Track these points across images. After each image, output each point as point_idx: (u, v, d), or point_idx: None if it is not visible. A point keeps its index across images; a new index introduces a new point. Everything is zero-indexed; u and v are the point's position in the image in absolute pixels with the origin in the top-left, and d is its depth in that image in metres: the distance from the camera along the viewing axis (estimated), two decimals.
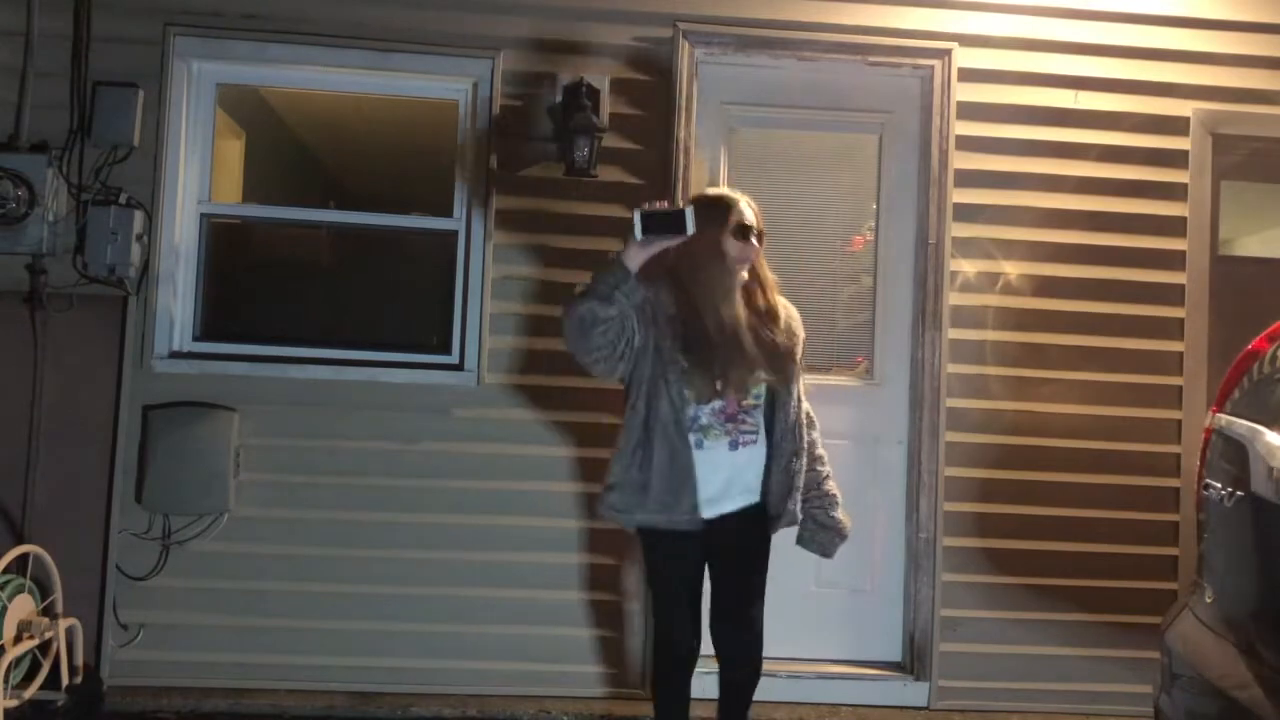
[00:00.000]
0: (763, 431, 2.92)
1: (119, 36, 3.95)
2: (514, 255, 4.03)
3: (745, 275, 2.93)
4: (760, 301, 2.96)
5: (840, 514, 3.03)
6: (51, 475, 3.83)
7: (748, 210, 2.92)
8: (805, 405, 3.03)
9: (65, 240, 3.89)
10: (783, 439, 2.92)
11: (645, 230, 2.60)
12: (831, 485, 3.06)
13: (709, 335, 2.86)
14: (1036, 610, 4.09)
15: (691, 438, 2.84)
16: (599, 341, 2.74)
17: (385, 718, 3.87)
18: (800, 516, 2.99)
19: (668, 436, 2.82)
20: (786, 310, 3.03)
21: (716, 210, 2.86)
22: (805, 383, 3.05)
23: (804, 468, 2.97)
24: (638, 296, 2.77)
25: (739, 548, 2.97)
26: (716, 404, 2.86)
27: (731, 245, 2.89)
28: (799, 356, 2.99)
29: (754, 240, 2.91)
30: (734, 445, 2.88)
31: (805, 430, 2.99)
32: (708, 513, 2.87)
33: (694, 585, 3.01)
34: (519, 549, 3.98)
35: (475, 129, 4.10)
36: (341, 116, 5.88)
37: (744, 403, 2.88)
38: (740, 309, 2.90)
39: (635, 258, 2.73)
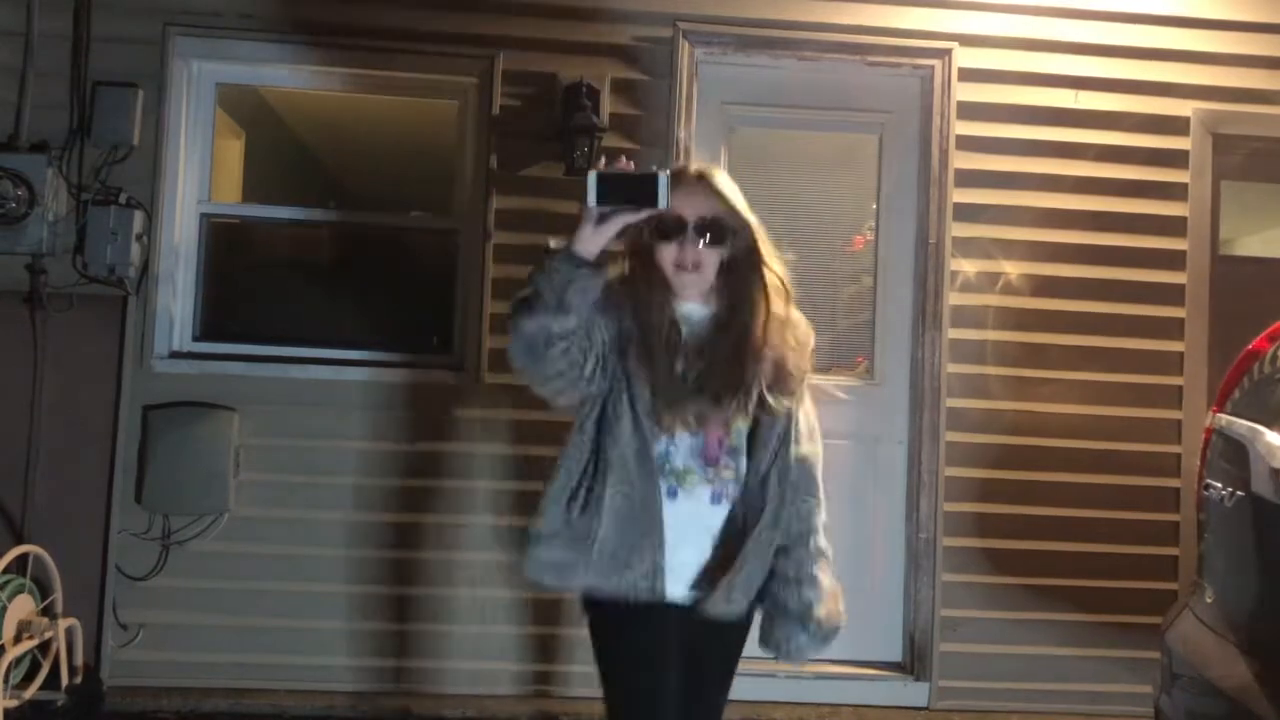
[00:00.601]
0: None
1: (119, 36, 3.95)
2: (514, 255, 4.03)
3: (703, 280, 2.12)
4: (740, 311, 2.13)
5: (824, 610, 2.14)
6: (51, 475, 3.83)
7: (685, 191, 2.06)
8: (805, 450, 2.18)
9: (65, 240, 3.88)
10: (751, 493, 2.11)
11: (601, 197, 1.95)
12: (825, 572, 2.17)
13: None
14: (1037, 610, 4.09)
15: (663, 484, 2.06)
16: (559, 365, 1.99)
17: (385, 718, 3.87)
18: (743, 613, 2.14)
19: (626, 471, 2.04)
20: (795, 330, 2.19)
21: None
22: (810, 418, 2.23)
23: (776, 544, 2.14)
24: (598, 289, 1.99)
25: (712, 652, 2.17)
26: (695, 440, 2.09)
27: (660, 252, 2.10)
28: (798, 390, 2.16)
29: (693, 237, 2.08)
30: (717, 498, 2.10)
31: (792, 488, 2.14)
32: (674, 588, 2.07)
33: (666, 689, 2.09)
34: (519, 549, 3.97)
35: (475, 129, 4.10)
36: (341, 116, 5.88)
37: (726, 441, 2.11)
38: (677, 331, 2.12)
39: (589, 240, 1.96)
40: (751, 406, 2.09)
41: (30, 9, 3.91)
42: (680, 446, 2.08)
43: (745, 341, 2.10)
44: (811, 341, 2.20)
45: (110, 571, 3.84)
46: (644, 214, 1.98)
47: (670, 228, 2.08)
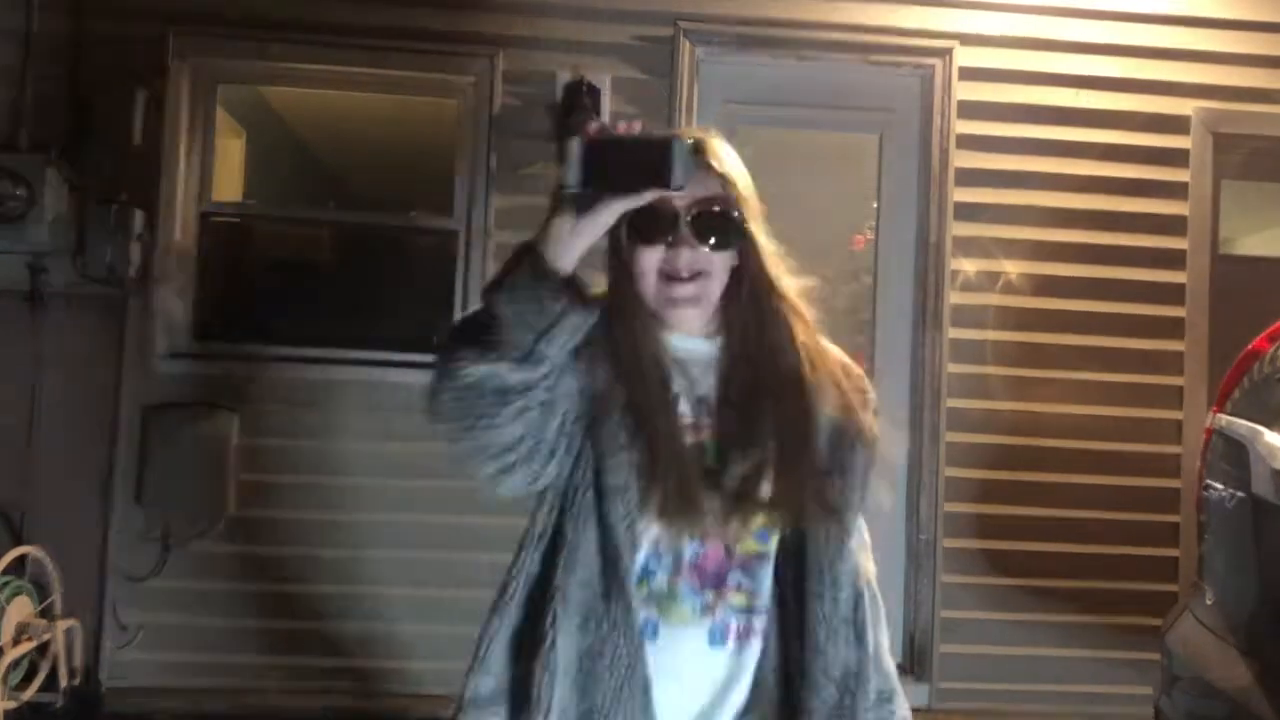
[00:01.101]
0: (770, 606, 1.42)
1: (119, 36, 3.95)
2: None
3: (705, 297, 1.42)
4: (766, 355, 1.44)
5: None
6: (51, 475, 3.83)
7: (683, 163, 1.27)
8: (863, 565, 1.48)
9: (65, 240, 3.88)
10: (827, 639, 1.40)
11: (590, 176, 1.28)
12: None
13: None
14: (1037, 611, 4.08)
15: (639, 614, 1.38)
16: (511, 432, 1.34)
17: (385, 718, 3.87)
18: None
19: (590, 606, 1.38)
20: (837, 370, 1.48)
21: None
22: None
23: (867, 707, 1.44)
24: (584, 330, 1.34)
25: None
26: (688, 548, 1.40)
27: (641, 259, 1.40)
28: (862, 474, 1.46)
29: (688, 234, 1.39)
30: (718, 637, 1.40)
31: (867, 623, 1.45)
32: None
33: None
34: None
35: (475, 129, 4.10)
36: (341, 116, 5.88)
37: (739, 548, 1.41)
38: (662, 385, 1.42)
39: (568, 242, 1.30)
40: (777, 507, 1.40)
41: (30, 9, 3.90)
42: (665, 557, 1.39)
43: (795, 385, 1.42)
44: (865, 396, 1.49)
45: (110, 572, 3.84)
46: (649, 198, 1.30)
47: (654, 221, 1.37)
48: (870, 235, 4.28)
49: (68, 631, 3.59)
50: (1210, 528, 2.54)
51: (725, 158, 1.43)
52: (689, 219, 1.39)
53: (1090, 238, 4.17)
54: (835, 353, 1.50)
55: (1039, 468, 4.10)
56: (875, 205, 4.27)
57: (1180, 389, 4.15)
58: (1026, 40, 4.18)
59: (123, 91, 3.91)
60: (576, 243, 1.30)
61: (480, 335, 1.30)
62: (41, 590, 3.59)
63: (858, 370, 1.51)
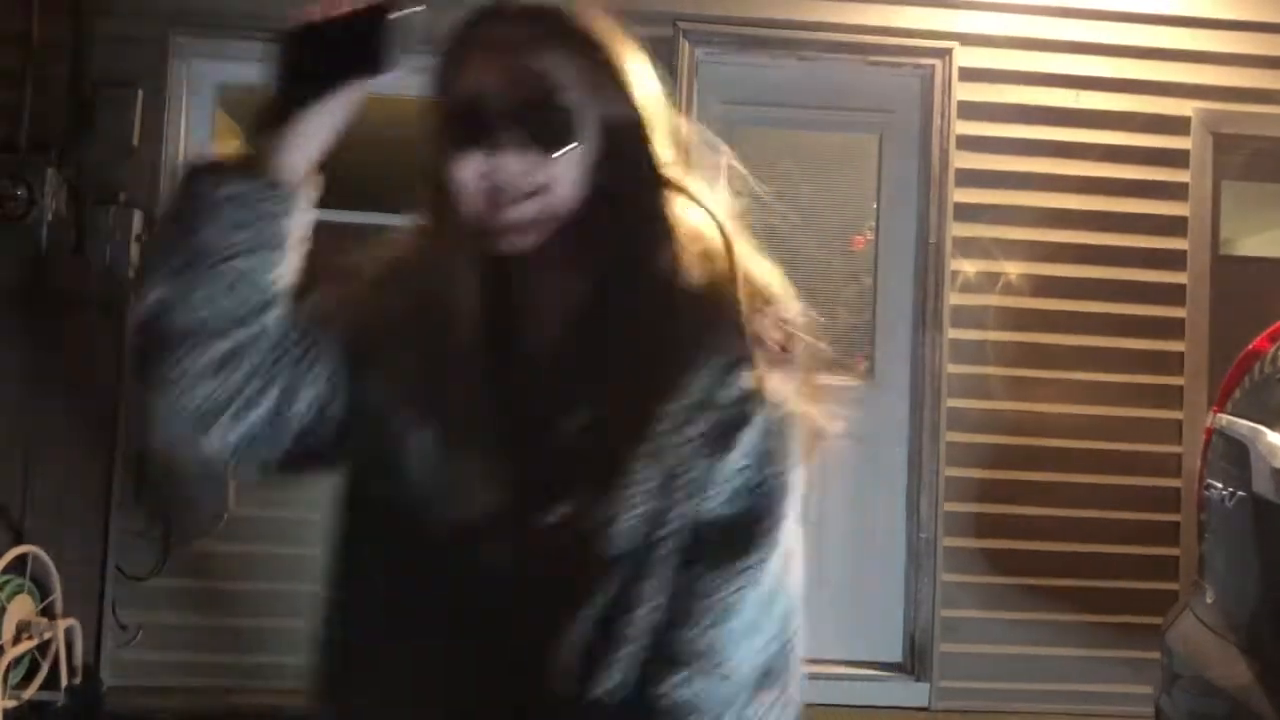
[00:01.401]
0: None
1: (119, 36, 3.95)
2: None
3: (543, 214, 0.99)
4: (632, 280, 1.00)
5: None
6: (51, 475, 3.83)
7: (490, 46, 1.05)
8: (743, 502, 0.97)
9: (65, 240, 3.88)
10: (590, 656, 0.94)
11: (297, 72, 0.98)
12: None
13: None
14: (1037, 611, 4.08)
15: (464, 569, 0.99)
16: (208, 391, 0.94)
17: None
18: None
19: (402, 588, 1.00)
20: (731, 299, 1.01)
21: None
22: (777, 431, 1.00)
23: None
24: (288, 233, 0.99)
25: None
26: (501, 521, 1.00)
27: (457, 172, 1.01)
28: (711, 431, 0.96)
29: (504, 130, 0.98)
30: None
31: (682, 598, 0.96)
32: None
33: None
34: None
35: None
36: None
37: (579, 527, 0.97)
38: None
39: (285, 148, 0.98)
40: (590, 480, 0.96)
41: (31, 10, 3.91)
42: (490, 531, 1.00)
43: (664, 320, 0.99)
44: (791, 328, 1.06)
45: (110, 571, 3.83)
46: (356, 91, 1.02)
47: (464, 120, 1.01)
48: (870, 236, 4.28)
49: (68, 630, 3.59)
50: (1211, 527, 2.54)
51: (573, 25, 1.02)
52: (502, 110, 0.98)
53: (1090, 238, 4.18)
54: (760, 277, 1.06)
55: (1039, 467, 4.10)
56: (875, 206, 4.27)
57: (1180, 389, 4.15)
58: (1026, 41, 4.19)
59: (123, 91, 3.91)
60: (289, 152, 0.98)
61: (149, 265, 0.98)
62: (42, 589, 3.59)
63: (782, 297, 1.07)
